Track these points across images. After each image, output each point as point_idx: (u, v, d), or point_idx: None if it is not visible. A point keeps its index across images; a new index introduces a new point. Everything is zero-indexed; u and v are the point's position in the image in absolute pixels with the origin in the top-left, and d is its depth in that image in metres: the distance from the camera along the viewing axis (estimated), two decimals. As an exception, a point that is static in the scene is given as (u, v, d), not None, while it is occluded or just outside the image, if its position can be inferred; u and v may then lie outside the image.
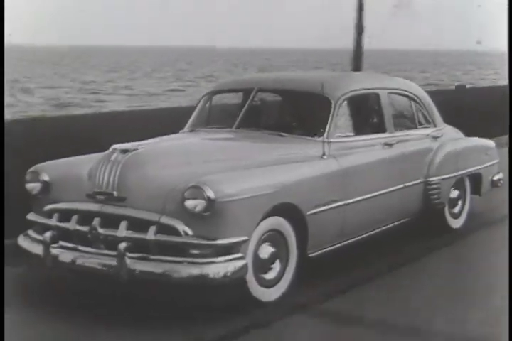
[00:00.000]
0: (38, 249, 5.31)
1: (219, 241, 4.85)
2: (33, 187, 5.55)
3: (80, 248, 5.18)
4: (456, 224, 7.43)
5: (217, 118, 6.61)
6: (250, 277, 5.06)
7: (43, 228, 5.43)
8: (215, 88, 6.87)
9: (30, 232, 5.58)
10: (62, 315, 5.03)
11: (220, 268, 4.82)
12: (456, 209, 7.47)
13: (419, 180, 6.85)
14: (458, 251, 6.89)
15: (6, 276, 5.15)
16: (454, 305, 5.33)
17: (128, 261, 4.88)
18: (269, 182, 5.21)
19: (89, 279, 5.41)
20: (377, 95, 6.60)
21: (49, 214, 5.43)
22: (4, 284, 4.74)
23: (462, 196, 7.55)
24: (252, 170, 5.32)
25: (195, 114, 6.66)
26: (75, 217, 5.23)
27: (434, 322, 5.00)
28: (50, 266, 5.23)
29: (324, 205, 5.61)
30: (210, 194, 4.80)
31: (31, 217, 5.61)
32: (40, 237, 5.36)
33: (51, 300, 5.37)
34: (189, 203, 4.85)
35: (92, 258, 5.08)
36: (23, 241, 5.56)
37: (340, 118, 6.11)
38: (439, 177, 6.98)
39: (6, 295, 4.68)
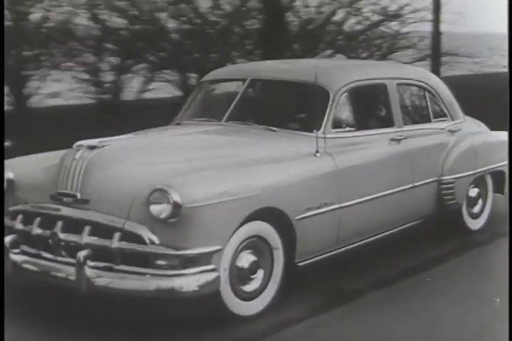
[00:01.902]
0: None
1: (187, 252, 4.34)
2: (-3, 186, 5.10)
3: (43, 254, 4.73)
4: (475, 225, 6.83)
5: (208, 110, 6.09)
6: (226, 289, 4.55)
7: (8, 231, 4.99)
8: (207, 78, 6.34)
9: (-3, 235, 5.14)
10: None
11: (187, 281, 4.31)
12: (476, 209, 6.86)
13: (431, 179, 6.25)
14: (476, 256, 6.29)
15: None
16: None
17: (88, 271, 4.40)
18: (249, 183, 4.67)
19: (47, 288, 4.93)
20: (384, 86, 5.99)
21: (13, 216, 4.98)
22: (4, 284, 4.40)
23: (483, 195, 6.93)
24: (232, 170, 4.78)
25: (185, 105, 6.15)
26: (37, 220, 4.77)
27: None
28: (9, 273, 4.77)
29: (316, 209, 5.06)
30: (176, 198, 4.29)
31: (-3, 218, 5.16)
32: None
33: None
34: (154, 208, 4.35)
35: (52, 266, 4.62)
36: None
37: (340, 111, 5.54)
38: (454, 176, 6.37)
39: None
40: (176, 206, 4.28)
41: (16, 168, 5.10)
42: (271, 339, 4.50)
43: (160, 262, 4.36)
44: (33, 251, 4.77)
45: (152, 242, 4.37)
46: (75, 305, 4.79)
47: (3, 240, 4.90)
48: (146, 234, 4.38)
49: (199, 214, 4.34)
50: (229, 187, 4.55)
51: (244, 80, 5.85)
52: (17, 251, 4.77)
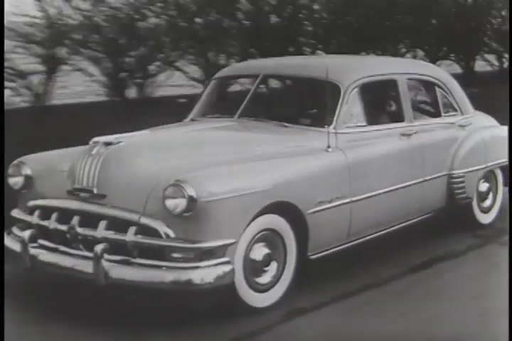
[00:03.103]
0: (18, 247, 4.98)
1: (202, 245, 4.43)
2: (16, 181, 5.22)
3: (60, 248, 4.83)
4: (486, 219, 6.88)
5: (221, 106, 6.17)
6: (240, 281, 4.64)
7: (25, 225, 5.10)
8: (220, 74, 6.43)
9: (14, 229, 5.26)
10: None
11: (202, 274, 4.41)
12: (487, 203, 6.92)
13: (442, 173, 6.32)
14: (487, 249, 6.35)
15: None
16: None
17: (105, 264, 4.50)
18: (261, 178, 4.76)
19: (68, 281, 5.03)
20: (394, 81, 6.06)
21: (31, 211, 5.09)
22: (4, 283, 4.52)
23: (493, 189, 6.99)
24: (245, 165, 4.88)
25: (199, 102, 6.24)
26: (54, 215, 4.88)
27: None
28: (28, 267, 4.89)
29: (328, 203, 5.14)
30: (192, 192, 4.38)
31: (15, 213, 5.28)
32: (21, 234, 5.03)
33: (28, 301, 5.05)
34: (169, 202, 4.44)
35: (70, 260, 4.72)
36: (6, 238, 5.23)
37: (351, 106, 5.61)
38: (464, 170, 6.43)
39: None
40: (191, 200, 4.37)
41: (33, 164, 5.21)
42: (282, 328, 4.58)
43: (175, 255, 4.46)
44: (50, 245, 4.87)
45: (167, 236, 4.46)
46: (92, 297, 4.89)
47: (3, 240, 5.02)
48: (162, 228, 4.48)
49: (213, 208, 4.43)
50: (243, 182, 4.64)
51: (256, 76, 5.94)
52: (35, 245, 4.87)
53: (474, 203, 6.72)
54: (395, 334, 4.50)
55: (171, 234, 4.46)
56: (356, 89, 5.65)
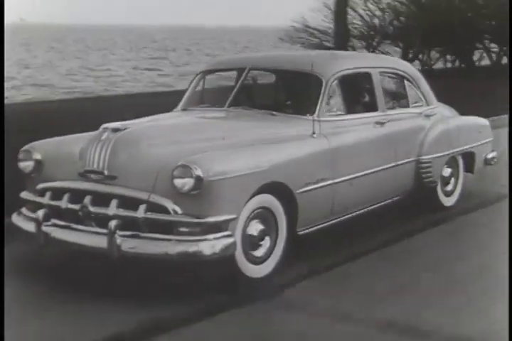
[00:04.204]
0: (29, 227, 5.39)
1: (207, 220, 4.91)
2: (26, 165, 5.62)
3: (72, 226, 5.25)
4: (448, 202, 7.48)
5: (209, 97, 6.65)
6: (239, 254, 5.13)
7: (35, 206, 5.50)
8: (207, 67, 6.90)
9: (24, 210, 5.66)
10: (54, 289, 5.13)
11: (208, 245, 4.88)
12: (449, 188, 7.52)
13: (411, 159, 6.89)
14: (449, 228, 6.95)
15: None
16: (442, 282, 5.42)
17: (118, 238, 4.94)
18: (258, 161, 5.26)
19: (80, 255, 5.48)
20: (368, 74, 6.62)
21: (41, 193, 5.50)
22: (4, 282, 4.73)
23: (455, 174, 7.59)
24: (241, 149, 5.37)
25: (188, 93, 6.70)
26: (66, 195, 5.30)
27: (422, 298, 5.08)
28: (42, 243, 5.30)
29: (314, 184, 5.66)
30: (199, 172, 4.86)
31: (24, 195, 5.68)
32: (33, 215, 5.44)
33: (43, 274, 5.47)
34: (178, 182, 4.91)
35: (83, 236, 5.16)
36: (16, 219, 5.64)
37: (332, 97, 6.14)
38: (431, 156, 7.01)
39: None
40: (198, 179, 4.85)
41: (43, 149, 5.62)
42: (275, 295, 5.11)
43: (183, 229, 4.93)
44: (62, 223, 5.29)
45: (175, 212, 4.93)
46: (104, 270, 5.34)
47: (3, 239, 5.39)
48: (170, 205, 4.94)
49: (218, 187, 4.92)
50: (242, 164, 5.14)
51: (243, 69, 6.43)
52: (48, 223, 5.28)
53: (438, 187, 7.31)
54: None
55: (179, 211, 4.93)
56: (336, 81, 6.18)
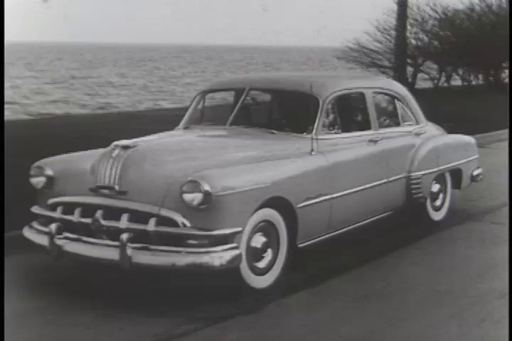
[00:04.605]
0: (42, 240, 5.63)
1: (215, 232, 5.19)
2: (38, 181, 5.86)
3: (84, 239, 5.50)
4: (437, 216, 7.80)
5: (210, 116, 6.94)
6: (244, 265, 5.40)
7: (47, 220, 5.75)
8: (207, 87, 7.21)
9: (35, 224, 5.89)
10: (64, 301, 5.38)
11: (216, 257, 5.15)
12: (438, 203, 7.83)
13: (402, 175, 7.20)
14: (438, 241, 7.26)
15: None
16: (432, 291, 5.75)
17: (129, 250, 5.20)
18: (261, 177, 5.55)
19: (90, 267, 5.73)
20: (362, 94, 6.95)
21: (53, 207, 5.74)
22: (4, 282, 4.92)
23: (443, 190, 7.91)
24: (245, 166, 5.66)
25: (189, 112, 7.00)
26: (78, 210, 5.55)
27: (410, 308, 5.38)
28: (54, 256, 5.55)
29: (313, 199, 5.95)
30: (207, 188, 5.14)
31: (35, 209, 5.92)
32: (43, 229, 5.69)
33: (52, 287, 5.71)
34: (187, 196, 5.19)
35: (95, 249, 5.40)
36: (27, 233, 5.88)
37: (328, 116, 6.45)
38: (420, 172, 7.33)
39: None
40: (207, 194, 5.13)
41: (54, 165, 5.88)
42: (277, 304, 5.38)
43: (191, 241, 5.20)
44: (74, 236, 5.54)
45: (184, 225, 5.20)
46: (114, 281, 5.60)
47: (3, 240, 5.64)
48: (179, 219, 5.21)
49: (225, 201, 5.20)
50: (246, 179, 5.42)
51: (242, 90, 6.73)
52: (61, 236, 5.53)
53: (428, 202, 7.62)
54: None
55: (188, 224, 5.20)
56: (332, 101, 6.50)
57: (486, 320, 5.10)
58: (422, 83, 25.26)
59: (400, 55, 22.56)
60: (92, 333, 4.85)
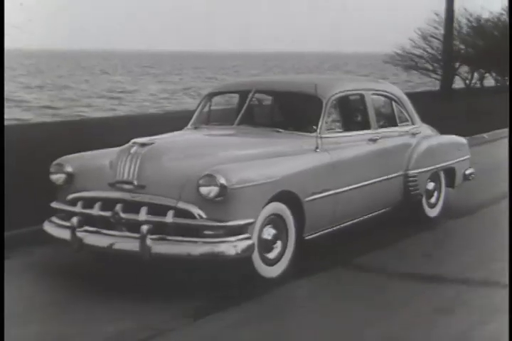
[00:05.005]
0: (63, 233, 5.94)
1: (230, 223, 5.51)
2: (58, 177, 6.17)
3: (103, 231, 5.80)
4: (432, 213, 8.15)
5: (217, 117, 7.28)
6: (256, 256, 5.72)
7: (66, 215, 6.05)
8: (214, 89, 7.55)
9: (54, 219, 6.19)
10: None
11: (231, 246, 5.47)
12: (433, 200, 8.18)
13: (399, 173, 7.55)
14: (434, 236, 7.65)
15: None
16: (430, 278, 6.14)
17: (149, 241, 5.51)
18: (271, 171, 5.88)
19: (110, 258, 6.04)
20: (362, 96, 7.30)
21: (73, 202, 6.04)
22: (4, 283, 4.99)
23: (438, 188, 8.26)
24: (256, 162, 5.99)
25: (197, 113, 7.32)
26: (98, 204, 5.86)
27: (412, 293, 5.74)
28: (76, 248, 5.85)
29: (318, 193, 6.29)
30: (223, 181, 5.46)
31: (55, 205, 6.22)
32: (63, 223, 6.00)
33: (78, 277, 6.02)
34: (203, 189, 5.51)
35: (115, 240, 5.71)
36: (48, 227, 6.18)
37: (331, 116, 6.81)
38: (417, 170, 7.68)
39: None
40: (223, 187, 5.46)
41: (73, 162, 6.19)
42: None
43: (207, 232, 5.52)
44: (93, 229, 5.84)
45: (201, 217, 5.52)
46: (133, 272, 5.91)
47: (3, 241, 5.88)
48: (196, 211, 5.53)
49: (239, 194, 5.52)
50: (258, 174, 5.76)
51: (248, 92, 7.07)
52: (81, 229, 5.83)
53: (423, 199, 7.98)
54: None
55: (204, 215, 5.52)
56: (334, 102, 6.86)
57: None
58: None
59: (446, 60, 25.43)
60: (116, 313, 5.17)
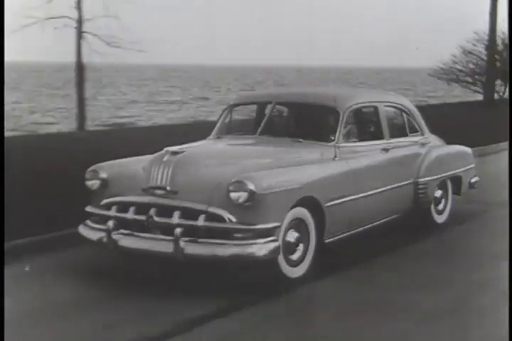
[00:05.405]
0: (98, 236, 6.32)
1: (258, 226, 5.90)
2: (93, 183, 6.56)
3: (136, 234, 6.19)
4: (440, 219, 8.56)
5: (238, 127, 7.69)
6: (281, 257, 6.11)
7: (100, 218, 6.43)
8: (235, 101, 7.96)
9: (89, 222, 6.58)
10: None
11: (259, 248, 5.86)
12: (440, 207, 8.60)
13: (410, 181, 7.96)
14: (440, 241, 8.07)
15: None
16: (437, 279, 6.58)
17: (182, 243, 5.90)
18: (295, 178, 6.28)
19: (142, 260, 6.44)
20: (376, 107, 7.73)
21: (107, 207, 6.43)
22: (4, 283, 5.12)
23: (445, 195, 8.68)
24: (281, 169, 6.39)
25: (219, 123, 7.73)
26: (132, 208, 6.24)
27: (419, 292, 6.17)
28: (111, 250, 6.24)
29: (337, 199, 6.69)
30: (252, 187, 5.86)
31: (90, 209, 6.60)
32: (98, 226, 6.39)
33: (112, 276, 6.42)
34: (233, 195, 5.90)
35: (149, 243, 6.09)
36: (83, 230, 6.56)
37: (347, 126, 7.22)
38: (426, 179, 8.10)
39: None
40: (252, 193, 5.86)
41: (108, 169, 6.58)
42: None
43: (237, 235, 5.91)
44: (127, 232, 6.23)
45: (230, 220, 5.91)
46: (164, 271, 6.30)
47: (3, 241, 6.07)
48: (226, 215, 5.92)
49: (266, 199, 5.92)
50: (284, 181, 6.16)
51: (268, 103, 7.48)
52: (116, 232, 6.22)
53: (432, 206, 8.39)
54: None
55: (233, 219, 5.91)
56: (350, 114, 7.27)
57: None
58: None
59: (490, 74, 28.58)
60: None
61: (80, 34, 15.84)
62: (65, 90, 41.08)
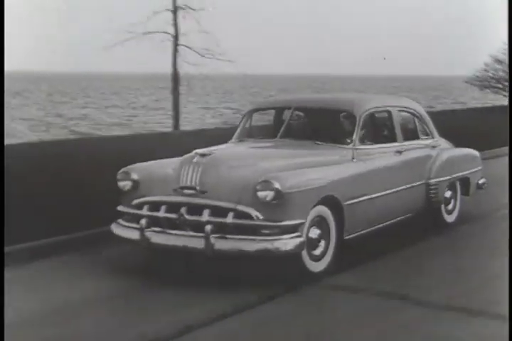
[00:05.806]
0: (131, 234, 6.70)
1: (284, 223, 6.28)
2: (125, 184, 6.94)
3: (168, 231, 6.57)
4: (450, 218, 8.94)
5: (258, 131, 8.08)
6: (304, 252, 6.49)
7: (132, 217, 6.81)
8: (255, 106, 8.35)
9: (121, 221, 6.95)
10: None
11: (285, 243, 6.24)
12: (450, 207, 8.98)
13: (422, 182, 8.35)
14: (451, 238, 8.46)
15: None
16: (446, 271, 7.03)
17: (212, 240, 6.28)
18: (318, 178, 6.67)
19: (172, 256, 6.85)
20: (389, 112, 8.12)
21: (139, 206, 6.80)
22: (4, 284, 5.21)
23: (454, 196, 9.06)
24: (304, 169, 6.77)
25: (240, 128, 8.12)
26: (163, 207, 6.62)
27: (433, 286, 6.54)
28: (145, 247, 6.63)
29: (356, 198, 7.07)
30: (278, 186, 6.24)
31: (122, 208, 6.98)
32: (130, 224, 6.77)
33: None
34: (261, 194, 6.29)
35: (180, 239, 6.47)
36: (116, 229, 6.94)
37: (363, 129, 7.61)
38: (437, 180, 8.49)
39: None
40: (278, 192, 6.24)
41: (139, 170, 6.96)
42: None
43: (264, 231, 6.29)
44: (159, 229, 6.61)
45: (258, 218, 6.29)
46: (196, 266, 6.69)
47: (3, 242, 6.23)
48: (253, 212, 6.30)
49: (292, 198, 6.30)
50: (307, 180, 6.55)
51: (287, 108, 7.88)
52: (149, 230, 6.60)
53: (442, 206, 8.77)
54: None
55: (260, 216, 6.29)
56: (366, 117, 7.67)
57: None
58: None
59: None
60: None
61: (175, 47, 17.40)
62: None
